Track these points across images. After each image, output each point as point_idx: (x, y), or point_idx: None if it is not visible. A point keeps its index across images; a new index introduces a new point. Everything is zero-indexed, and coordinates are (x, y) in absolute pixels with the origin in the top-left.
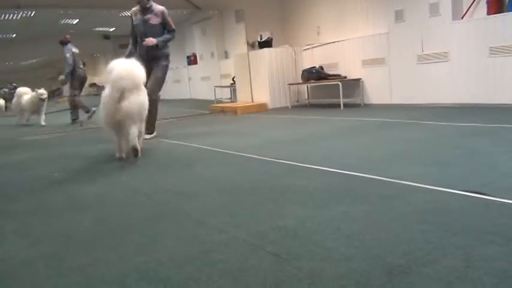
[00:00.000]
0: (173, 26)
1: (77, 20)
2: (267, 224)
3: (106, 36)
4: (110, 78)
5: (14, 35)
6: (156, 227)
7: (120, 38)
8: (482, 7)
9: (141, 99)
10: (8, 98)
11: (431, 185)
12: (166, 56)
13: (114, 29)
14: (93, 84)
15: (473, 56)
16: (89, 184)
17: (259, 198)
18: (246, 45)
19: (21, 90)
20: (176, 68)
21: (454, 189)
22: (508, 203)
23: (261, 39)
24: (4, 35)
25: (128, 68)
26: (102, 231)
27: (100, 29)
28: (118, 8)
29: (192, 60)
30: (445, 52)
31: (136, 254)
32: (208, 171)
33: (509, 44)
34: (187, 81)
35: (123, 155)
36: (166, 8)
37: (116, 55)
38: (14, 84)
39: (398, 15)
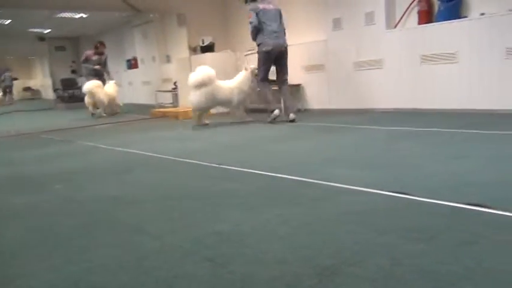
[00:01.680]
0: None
1: (9, 21)
2: (203, 229)
3: (41, 38)
4: None
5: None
6: (89, 235)
7: (56, 40)
8: (414, 17)
9: None
10: None
11: (360, 187)
12: (257, 46)
13: (49, 30)
14: (27, 88)
15: (405, 63)
16: (18, 193)
17: (197, 203)
18: (188, 50)
19: None
20: (116, 72)
21: (381, 190)
22: (429, 202)
23: (203, 43)
24: None
25: None
26: (31, 241)
27: (34, 30)
28: (53, 8)
29: (132, 64)
30: (379, 59)
31: (67, 263)
32: (146, 177)
33: (438, 52)
34: (127, 86)
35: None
36: (105, 10)
37: (52, 57)
38: None
39: (336, 23)
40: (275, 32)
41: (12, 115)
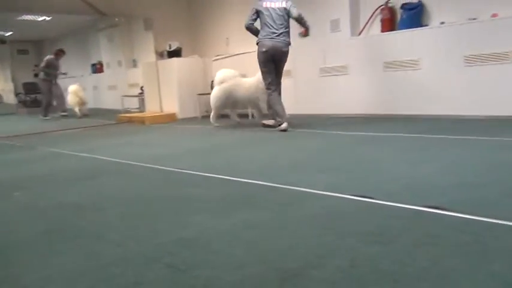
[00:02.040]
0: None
1: None
2: (166, 236)
3: (2, 41)
4: None
5: None
6: (50, 243)
7: (18, 43)
8: (378, 25)
9: None
10: None
11: (324, 191)
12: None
13: (11, 33)
14: None
15: (369, 69)
16: None
17: (161, 209)
18: (154, 54)
19: None
20: (81, 76)
21: (344, 194)
22: (390, 205)
23: (170, 48)
24: None
25: None
26: None
27: None
28: (14, 10)
29: (98, 68)
30: (344, 66)
31: (24, 272)
32: (110, 184)
33: (401, 59)
34: (92, 90)
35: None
36: (70, 14)
37: (14, 61)
38: None
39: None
40: (275, 32)
41: None
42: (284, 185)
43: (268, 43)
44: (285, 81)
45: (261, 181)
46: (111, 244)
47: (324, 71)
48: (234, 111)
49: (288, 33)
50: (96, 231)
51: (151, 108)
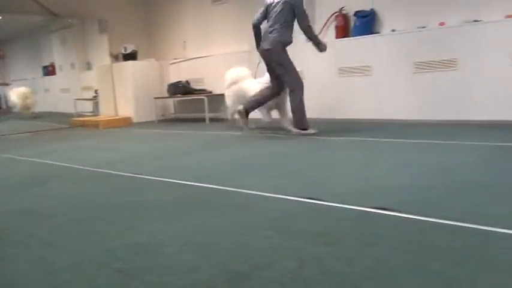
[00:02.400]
0: None
1: None
2: (117, 241)
3: None
4: None
5: None
6: None
7: None
8: (332, 31)
9: None
10: None
11: (275, 194)
12: None
13: None
14: None
15: (324, 75)
16: None
17: (113, 214)
18: (109, 57)
19: None
20: (33, 78)
21: (294, 196)
22: (338, 206)
23: (125, 51)
24: None
25: None
26: None
27: None
28: None
29: (49, 70)
30: (300, 71)
31: None
32: (61, 189)
33: (353, 65)
34: (43, 93)
35: None
36: (20, 14)
37: None
38: None
39: None
40: (267, 30)
41: None
42: (237, 188)
43: (261, 44)
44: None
45: (215, 185)
46: (61, 251)
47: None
48: (266, 112)
49: (280, 30)
50: (46, 237)
51: (106, 112)
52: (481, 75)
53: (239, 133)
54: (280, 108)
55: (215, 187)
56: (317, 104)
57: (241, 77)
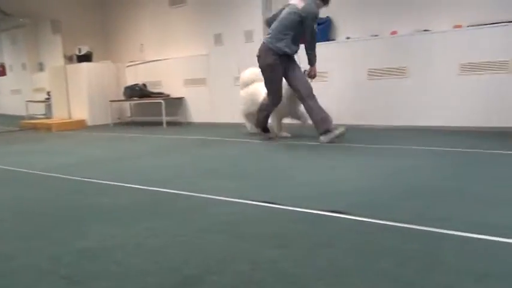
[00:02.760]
0: None
1: None
2: (64, 247)
3: None
4: None
5: None
6: None
7: None
8: None
9: None
10: None
11: (232, 198)
12: None
13: None
14: None
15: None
16: None
17: (61, 219)
18: (63, 58)
19: None
20: None
21: (250, 200)
22: (293, 210)
23: (79, 52)
24: None
25: None
26: None
27: None
28: None
29: (0, 71)
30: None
31: None
32: (6, 194)
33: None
34: None
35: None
36: None
37: None
38: None
39: (217, 39)
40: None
41: None
42: (192, 192)
43: None
44: (199, 90)
45: (169, 189)
46: (2, 257)
47: (239, 80)
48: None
49: (275, 36)
50: None
51: (59, 114)
52: (430, 83)
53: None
54: (296, 115)
55: (170, 191)
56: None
57: (256, 78)
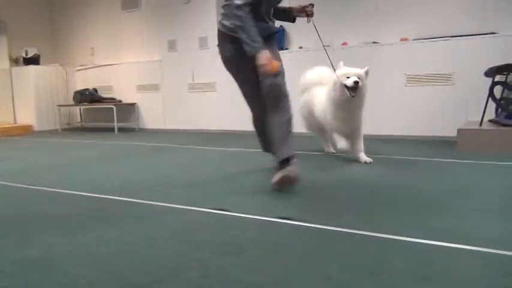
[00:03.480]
0: None
1: None
2: (6, 258)
3: None
4: None
5: None
6: None
7: None
8: None
9: None
10: None
11: (184, 205)
12: None
13: None
14: None
15: (235, 86)
16: None
17: (3, 228)
18: (8, 61)
19: None
20: None
21: (202, 207)
22: (243, 216)
23: (26, 55)
24: None
25: None
26: None
27: None
28: None
29: None
30: (212, 83)
31: None
32: None
33: None
34: None
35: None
36: None
37: None
38: None
39: (171, 45)
40: None
41: None
42: (145, 200)
43: None
44: (152, 95)
45: (119, 197)
46: None
47: (192, 87)
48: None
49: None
50: None
51: (3, 119)
52: (379, 94)
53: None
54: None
55: (122, 199)
56: (228, 116)
57: (320, 80)
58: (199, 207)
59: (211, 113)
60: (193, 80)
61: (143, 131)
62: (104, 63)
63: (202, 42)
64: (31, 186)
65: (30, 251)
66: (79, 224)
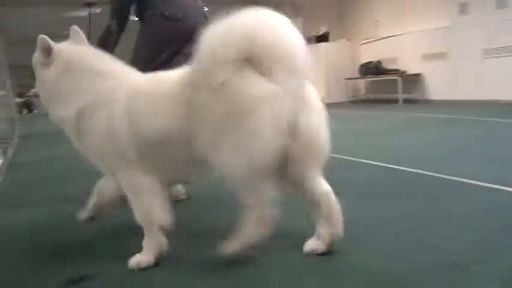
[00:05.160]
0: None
1: None
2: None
3: None
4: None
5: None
6: None
7: None
8: None
9: None
10: None
11: (486, 183)
12: None
13: None
14: None
15: None
16: None
17: None
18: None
19: None
20: None
21: (508, 186)
22: None
23: (317, 33)
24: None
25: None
26: None
27: None
28: None
29: None
30: None
31: None
32: None
33: None
34: None
35: None
36: None
37: None
38: None
39: (463, 8)
40: None
41: None
42: (437, 173)
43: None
44: (440, 65)
45: (411, 168)
46: None
47: (489, 52)
48: None
49: None
50: None
51: None
52: None
53: None
54: None
55: (413, 171)
56: None
57: None
58: (504, 185)
59: (510, 81)
60: (489, 45)
61: (428, 102)
62: (387, 35)
63: (500, 2)
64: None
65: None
66: (373, 192)
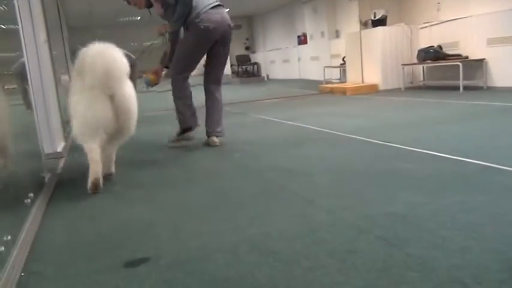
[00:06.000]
0: None
1: None
2: (374, 208)
3: (238, 26)
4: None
5: (139, 18)
6: (266, 203)
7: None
8: None
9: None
10: None
11: None
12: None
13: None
14: None
15: None
16: (203, 159)
17: (367, 180)
18: (358, 24)
19: None
20: (286, 47)
21: None
22: None
23: (374, 17)
24: (131, 18)
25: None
26: (215, 203)
27: None
28: None
29: (302, 40)
30: None
31: (247, 226)
32: (315, 151)
33: None
34: (296, 62)
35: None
36: None
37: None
38: None
39: None
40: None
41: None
42: (507, 166)
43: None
44: (506, 50)
45: (478, 160)
46: (320, 210)
47: None
48: None
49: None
50: (305, 196)
51: (352, 79)
52: None
53: None
54: None
55: (479, 163)
56: None
57: None
58: None
59: None
60: None
61: (492, 89)
62: (449, 18)
63: None
64: (385, 143)
65: (394, 205)
66: (437, 185)
